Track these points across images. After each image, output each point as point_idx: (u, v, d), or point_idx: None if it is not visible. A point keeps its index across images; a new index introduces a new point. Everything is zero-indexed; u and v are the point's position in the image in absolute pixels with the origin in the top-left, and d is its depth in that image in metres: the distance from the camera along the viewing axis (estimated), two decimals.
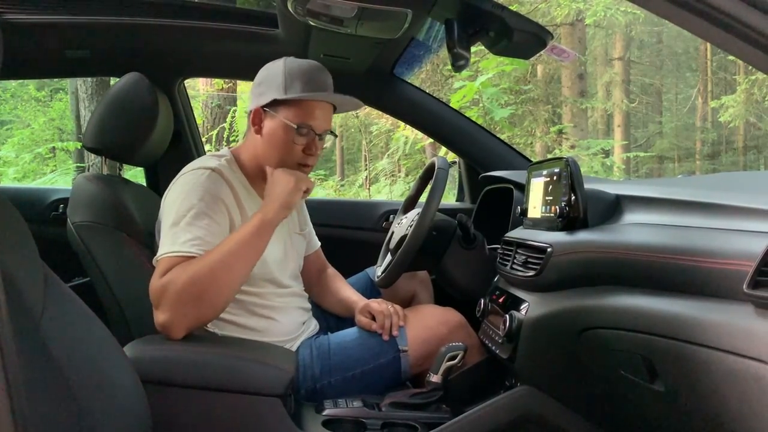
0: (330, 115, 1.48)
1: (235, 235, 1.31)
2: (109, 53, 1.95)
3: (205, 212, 1.32)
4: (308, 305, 1.65)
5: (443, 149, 4.00)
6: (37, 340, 0.86)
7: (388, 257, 1.70)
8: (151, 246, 1.47)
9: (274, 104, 1.43)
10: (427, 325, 1.52)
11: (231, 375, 1.25)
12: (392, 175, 8.58)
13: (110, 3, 1.82)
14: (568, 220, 1.23)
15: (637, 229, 1.10)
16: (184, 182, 1.38)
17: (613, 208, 1.22)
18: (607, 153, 8.10)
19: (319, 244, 1.79)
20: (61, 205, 2.09)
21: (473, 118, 2.47)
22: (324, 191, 7.65)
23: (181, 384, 1.23)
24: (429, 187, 1.63)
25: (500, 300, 1.44)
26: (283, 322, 1.50)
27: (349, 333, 1.54)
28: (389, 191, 7.52)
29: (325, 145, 1.53)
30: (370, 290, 1.79)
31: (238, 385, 1.24)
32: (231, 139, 6.28)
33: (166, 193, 1.41)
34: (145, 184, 2.13)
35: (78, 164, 6.65)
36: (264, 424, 1.25)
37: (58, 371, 0.87)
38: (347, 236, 2.25)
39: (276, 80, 1.43)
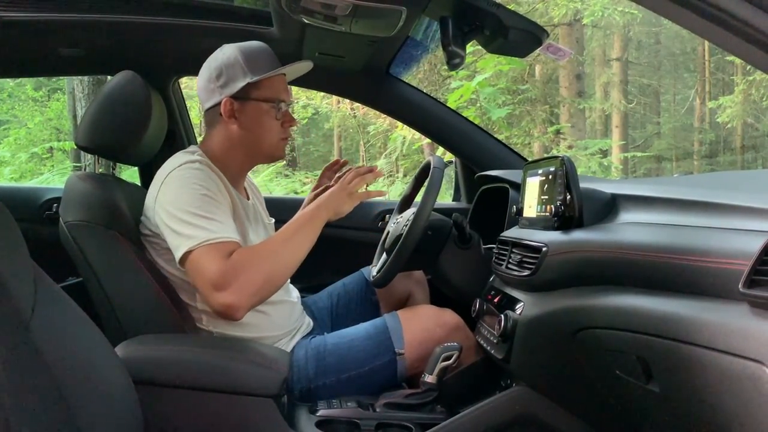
0: (287, 84, 1.56)
1: (292, 222, 1.42)
2: (103, 51, 1.93)
3: (216, 197, 1.36)
4: (296, 294, 1.65)
5: (440, 149, 3.99)
6: (26, 340, 0.85)
7: (384, 257, 1.70)
8: (144, 245, 1.47)
9: (245, 89, 1.45)
10: (423, 327, 1.51)
11: (223, 375, 1.24)
12: (390, 176, 8.57)
13: (104, 1, 1.81)
14: (564, 219, 1.22)
15: (632, 228, 1.09)
16: (179, 176, 1.38)
17: (608, 207, 1.22)
18: (604, 153, 8.11)
19: None
20: (55, 205, 2.07)
21: (470, 118, 2.46)
22: None
23: (174, 384, 1.23)
24: (425, 186, 1.62)
25: (495, 300, 1.43)
26: (275, 316, 1.49)
27: (345, 334, 1.53)
28: (387, 191, 7.52)
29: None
30: (366, 290, 1.79)
31: (231, 385, 1.24)
32: None
33: (156, 192, 1.40)
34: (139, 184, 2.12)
35: (75, 164, 6.63)
36: (257, 425, 1.24)
37: (48, 372, 0.86)
38: (343, 236, 2.24)
39: (237, 67, 1.45)
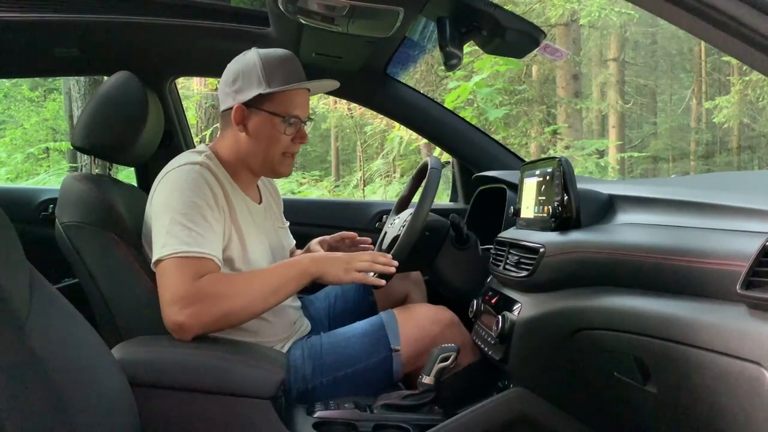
0: (308, 99, 1.50)
1: (279, 268, 1.36)
2: (99, 52, 1.93)
3: (205, 207, 1.33)
4: (298, 304, 1.64)
5: (437, 149, 3.99)
6: (22, 342, 0.84)
7: None
8: (141, 247, 1.46)
9: (257, 99, 1.42)
10: (419, 324, 1.51)
11: (220, 377, 1.24)
12: (387, 176, 8.56)
13: (100, 1, 1.80)
14: (561, 220, 1.22)
15: (630, 229, 1.09)
16: (175, 178, 1.36)
17: (606, 208, 1.22)
18: (601, 153, 8.12)
19: (294, 242, 1.79)
20: (51, 206, 2.07)
21: (468, 119, 2.46)
22: (318, 192, 7.63)
23: (170, 386, 1.22)
24: (422, 187, 1.62)
25: (493, 301, 1.43)
26: (275, 322, 1.48)
27: (342, 332, 1.52)
28: (384, 192, 7.51)
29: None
30: (363, 290, 1.78)
31: (228, 387, 1.23)
32: None
33: (153, 191, 1.40)
34: (135, 185, 2.11)
35: (71, 164, 6.61)
36: (254, 427, 1.24)
37: (44, 373, 0.85)
38: None
39: (254, 75, 1.41)
